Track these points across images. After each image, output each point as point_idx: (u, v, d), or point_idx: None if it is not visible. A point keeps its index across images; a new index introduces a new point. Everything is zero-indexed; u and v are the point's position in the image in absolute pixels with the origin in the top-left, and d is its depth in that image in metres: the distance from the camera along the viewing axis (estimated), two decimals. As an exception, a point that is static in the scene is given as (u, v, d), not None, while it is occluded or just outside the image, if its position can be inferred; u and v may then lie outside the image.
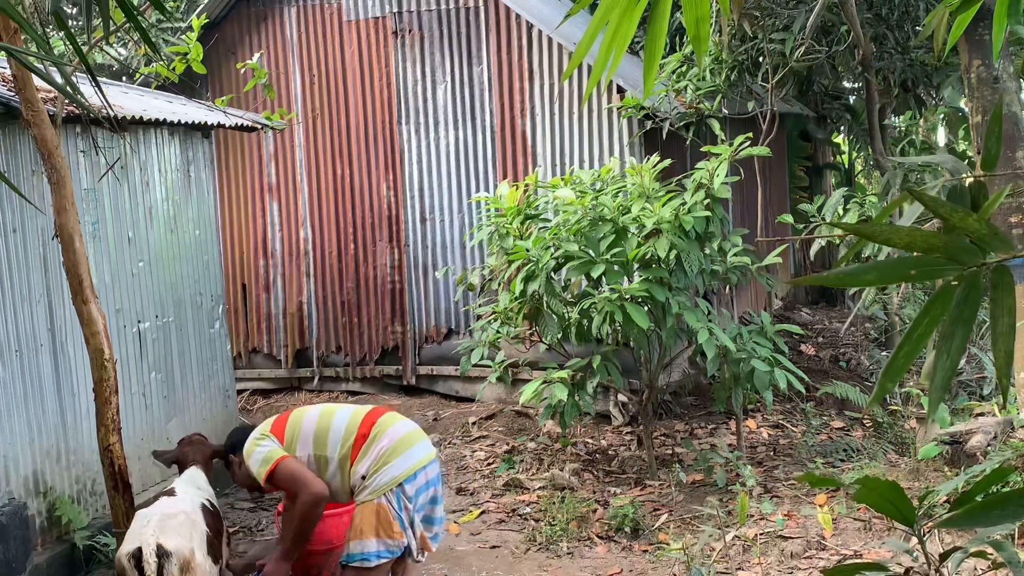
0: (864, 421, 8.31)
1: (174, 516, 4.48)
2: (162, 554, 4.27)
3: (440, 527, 4.76)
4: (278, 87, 9.33)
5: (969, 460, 6.66)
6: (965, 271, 1.44)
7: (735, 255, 7.15)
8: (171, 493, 4.73)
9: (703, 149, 7.54)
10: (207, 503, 4.78)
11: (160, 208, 6.88)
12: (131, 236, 6.57)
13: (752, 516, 6.29)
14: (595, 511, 6.62)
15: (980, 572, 4.92)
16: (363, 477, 4.45)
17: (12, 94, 5.14)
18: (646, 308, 6.77)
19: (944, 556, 2.29)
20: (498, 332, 7.39)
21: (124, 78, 12.04)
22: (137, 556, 4.26)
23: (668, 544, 5.97)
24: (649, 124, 8.26)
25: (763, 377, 6.83)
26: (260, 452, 4.47)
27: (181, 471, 5.02)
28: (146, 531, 4.34)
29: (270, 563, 4.55)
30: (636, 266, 6.87)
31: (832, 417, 8.60)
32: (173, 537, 4.35)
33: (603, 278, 6.77)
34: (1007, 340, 1.48)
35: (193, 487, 4.87)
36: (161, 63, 6.65)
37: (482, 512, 6.83)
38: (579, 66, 8.60)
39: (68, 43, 3.33)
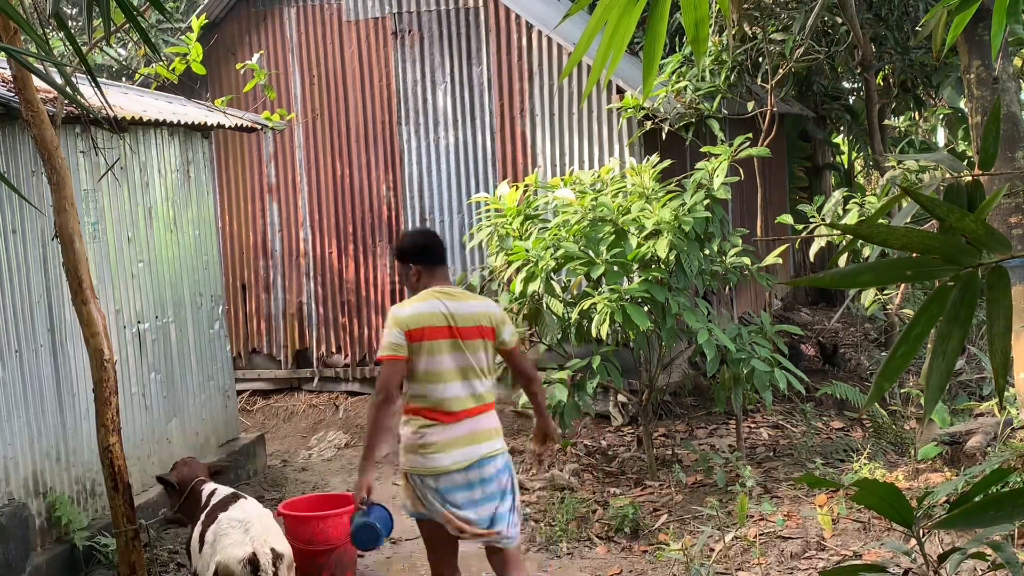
0: (864, 421, 8.31)
1: (267, 516, 4.64)
2: (276, 557, 4.42)
3: (486, 522, 4.39)
4: (278, 87, 9.33)
5: (968, 460, 6.66)
6: (961, 272, 1.44)
7: (735, 255, 7.15)
8: (238, 496, 4.83)
9: (703, 149, 7.54)
10: None
11: (160, 208, 6.88)
12: (131, 236, 6.57)
13: (752, 516, 6.29)
14: (595, 511, 6.62)
15: (980, 573, 4.92)
16: (398, 435, 4.43)
17: (12, 94, 5.14)
18: (646, 308, 6.77)
19: (943, 557, 2.29)
20: (498, 332, 7.39)
21: (124, 78, 12.05)
22: (253, 561, 4.36)
23: (668, 544, 5.97)
24: (649, 125, 8.27)
25: (763, 377, 6.83)
26: (386, 337, 4.34)
27: (181, 491, 5.04)
28: (255, 536, 4.44)
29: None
30: (636, 266, 6.87)
31: (832, 417, 8.61)
32: (278, 539, 4.52)
33: (603, 278, 6.77)
34: (1003, 341, 1.48)
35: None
36: (161, 64, 6.65)
37: (482, 512, 6.83)
38: (579, 66, 8.60)
39: (68, 43, 3.33)
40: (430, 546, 4.53)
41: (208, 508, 4.76)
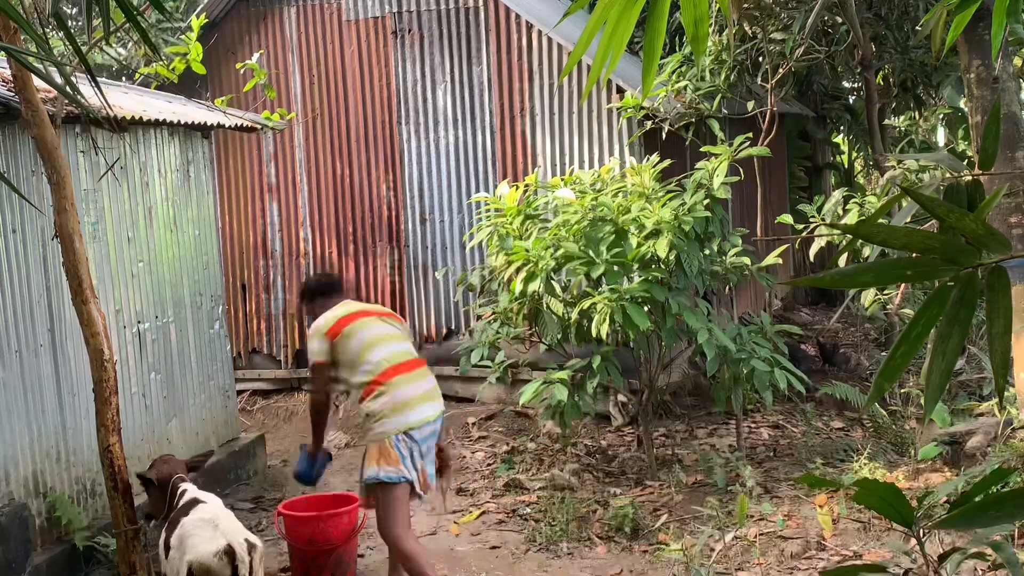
0: (864, 421, 8.31)
1: (231, 515, 4.77)
2: (250, 547, 4.58)
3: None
4: (278, 87, 9.33)
5: (969, 460, 6.66)
6: (961, 272, 1.44)
7: (735, 255, 7.15)
8: (198, 500, 4.85)
9: (703, 149, 7.53)
10: None
11: (160, 208, 6.88)
12: (131, 236, 6.57)
13: (752, 516, 6.29)
14: (595, 511, 6.62)
15: (980, 573, 4.92)
16: (368, 416, 4.99)
17: (12, 94, 5.14)
18: (646, 308, 6.77)
19: (943, 557, 2.29)
20: (498, 332, 7.39)
21: (124, 78, 12.04)
22: (230, 553, 4.48)
23: (668, 544, 5.97)
24: (649, 124, 8.26)
25: (763, 377, 6.83)
26: (310, 349, 5.18)
27: (162, 488, 5.07)
28: (227, 530, 4.57)
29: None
30: (636, 266, 6.87)
31: (832, 417, 8.60)
32: (248, 533, 4.67)
33: (603, 278, 6.77)
34: (1003, 341, 1.48)
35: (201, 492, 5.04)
36: (161, 63, 6.65)
37: (482, 513, 6.83)
38: (579, 65, 8.60)
39: (68, 43, 3.33)
40: (398, 506, 4.94)
41: (172, 513, 4.82)
